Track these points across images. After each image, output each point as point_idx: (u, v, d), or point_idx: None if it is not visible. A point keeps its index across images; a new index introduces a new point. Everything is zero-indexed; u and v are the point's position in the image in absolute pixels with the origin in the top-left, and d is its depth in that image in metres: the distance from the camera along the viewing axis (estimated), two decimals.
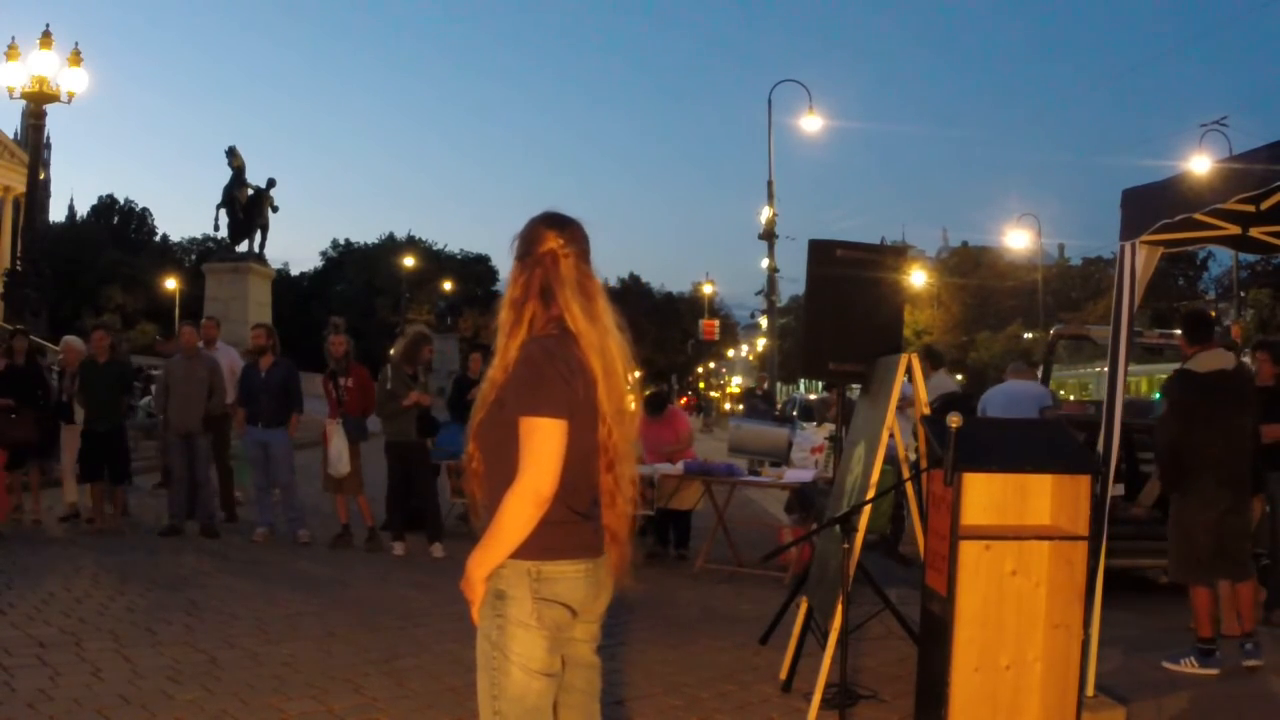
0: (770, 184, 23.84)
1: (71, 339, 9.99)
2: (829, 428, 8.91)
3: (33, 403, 8.99)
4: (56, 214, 63.81)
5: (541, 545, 2.29)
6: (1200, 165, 5.46)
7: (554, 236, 2.39)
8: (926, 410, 4.75)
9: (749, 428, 10.67)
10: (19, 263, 17.42)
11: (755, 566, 7.72)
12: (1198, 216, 4.34)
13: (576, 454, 2.30)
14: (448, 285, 58.27)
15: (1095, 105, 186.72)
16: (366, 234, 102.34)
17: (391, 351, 8.96)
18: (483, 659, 2.35)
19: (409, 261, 56.94)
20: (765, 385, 21.12)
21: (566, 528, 2.32)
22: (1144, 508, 7.33)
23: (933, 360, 9.17)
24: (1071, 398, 19.43)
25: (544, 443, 2.24)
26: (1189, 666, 5.22)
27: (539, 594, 2.30)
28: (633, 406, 2.46)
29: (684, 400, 55.55)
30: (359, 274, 62.86)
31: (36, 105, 16.08)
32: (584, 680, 2.48)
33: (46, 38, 15.93)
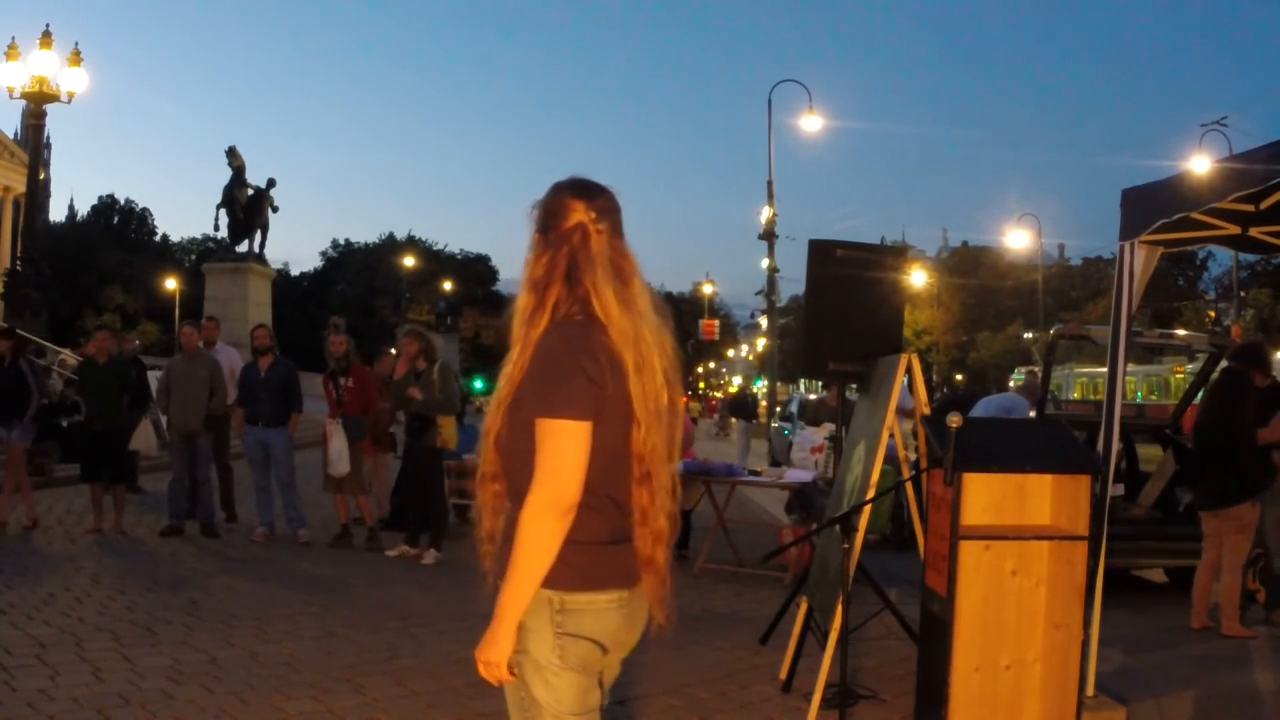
0: (770, 184, 23.90)
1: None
2: (829, 427, 8.88)
3: (20, 405, 8.86)
4: (56, 214, 64.03)
5: (565, 571, 1.97)
6: (1200, 165, 5.43)
7: (583, 208, 2.06)
8: (927, 410, 4.75)
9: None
10: (19, 263, 17.39)
11: (755, 566, 7.70)
12: (1197, 216, 4.34)
13: (607, 461, 2.00)
14: (448, 285, 58.18)
15: (1095, 105, 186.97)
16: (366, 234, 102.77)
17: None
18: (513, 694, 2.13)
19: (409, 261, 56.93)
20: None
21: (596, 550, 2.02)
22: (1144, 508, 7.34)
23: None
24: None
25: (564, 448, 1.94)
26: None
27: (562, 628, 2.00)
28: (681, 405, 2.18)
29: (709, 403, 54.63)
30: (359, 274, 62.79)
31: (36, 105, 16.07)
32: None
33: (46, 38, 15.92)
